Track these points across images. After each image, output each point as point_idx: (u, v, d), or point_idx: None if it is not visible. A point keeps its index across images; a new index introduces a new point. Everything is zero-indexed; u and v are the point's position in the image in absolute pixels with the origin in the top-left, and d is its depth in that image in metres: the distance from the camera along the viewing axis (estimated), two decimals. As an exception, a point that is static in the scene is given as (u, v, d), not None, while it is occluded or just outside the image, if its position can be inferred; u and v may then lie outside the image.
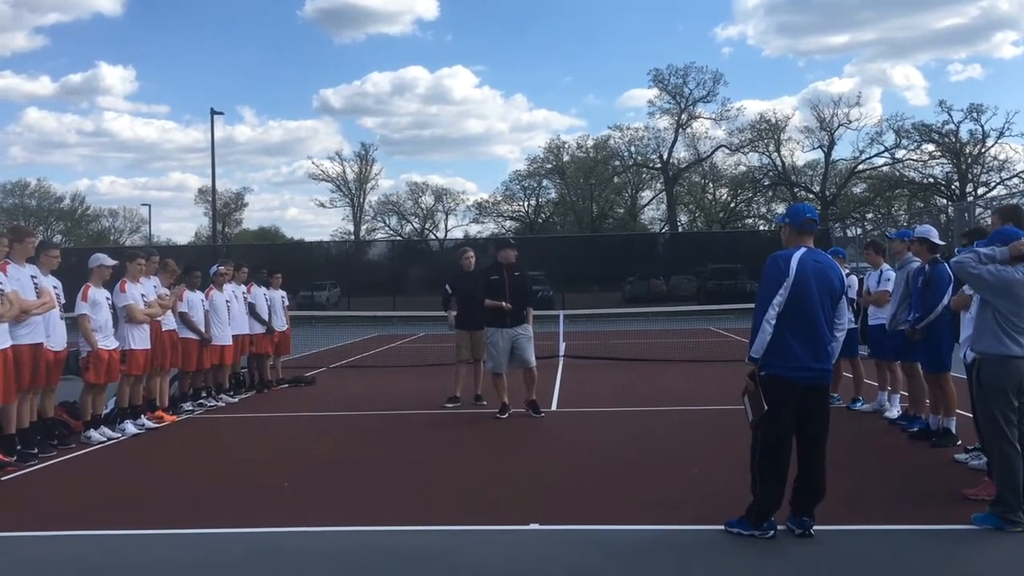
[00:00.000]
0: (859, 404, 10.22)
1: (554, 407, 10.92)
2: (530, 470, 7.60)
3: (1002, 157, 50.84)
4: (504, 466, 7.85)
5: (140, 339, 9.67)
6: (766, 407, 5.33)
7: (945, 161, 52.97)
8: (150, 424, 9.93)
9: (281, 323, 13.49)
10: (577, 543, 5.50)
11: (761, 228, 55.23)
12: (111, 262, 9.51)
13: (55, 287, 8.68)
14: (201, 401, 11.48)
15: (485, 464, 7.95)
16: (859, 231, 42.80)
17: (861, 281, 10.78)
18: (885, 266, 9.95)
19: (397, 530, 5.81)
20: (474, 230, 63.08)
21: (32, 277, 8.31)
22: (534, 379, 10.45)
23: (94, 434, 9.15)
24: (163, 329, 10.25)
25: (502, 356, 10.17)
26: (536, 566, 5.13)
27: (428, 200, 66.38)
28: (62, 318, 8.76)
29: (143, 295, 9.82)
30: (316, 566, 5.14)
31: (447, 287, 11.49)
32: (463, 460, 8.15)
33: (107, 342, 9.22)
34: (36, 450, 8.31)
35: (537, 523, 5.82)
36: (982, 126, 50.74)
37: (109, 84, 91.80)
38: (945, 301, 7.87)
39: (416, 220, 66.45)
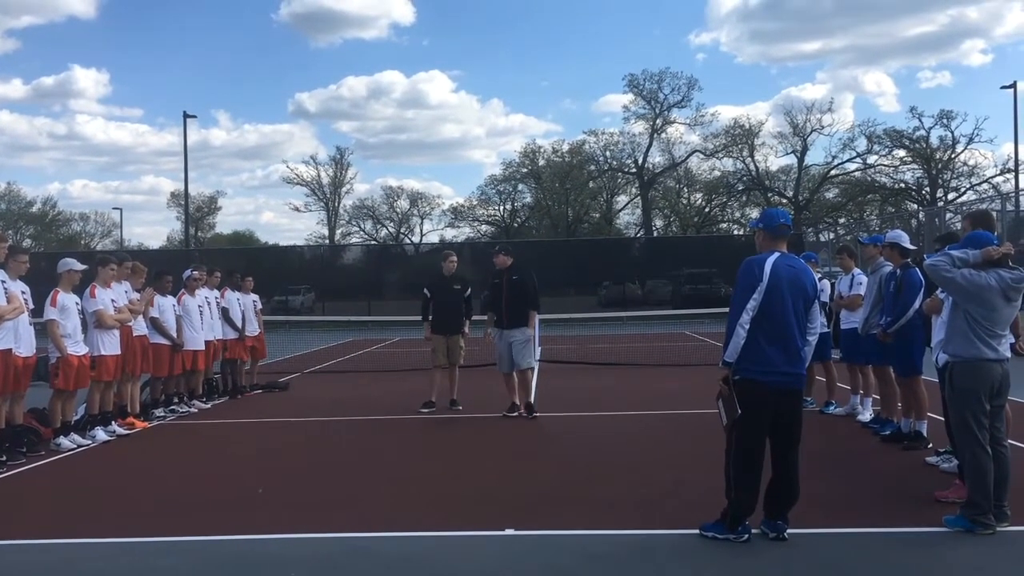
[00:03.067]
0: (832, 408, 10.29)
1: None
2: (505, 475, 7.59)
3: (972, 163, 51.51)
4: (479, 471, 7.83)
5: (110, 344, 9.55)
6: (740, 411, 5.35)
7: (916, 166, 53.59)
8: (121, 431, 9.81)
9: (254, 327, 13.38)
10: (552, 548, 5.48)
11: (735, 233, 55.64)
12: (80, 267, 9.39)
13: (23, 292, 8.55)
14: (173, 407, 11.35)
15: (460, 469, 7.92)
16: (831, 236, 43.17)
17: (833, 285, 10.86)
18: (857, 270, 10.03)
19: (371, 536, 5.77)
20: (450, 234, 63.05)
21: (2, 282, 8.19)
22: (526, 382, 10.70)
23: (64, 441, 9.02)
24: (134, 334, 10.13)
25: (503, 357, 10.58)
26: (511, 571, 5.11)
27: (403, 204, 66.21)
28: (31, 323, 8.63)
29: (113, 300, 9.71)
30: (291, 572, 5.09)
31: (426, 291, 11.46)
32: (438, 465, 8.11)
33: (77, 348, 9.10)
34: (4, 457, 8.18)
35: (512, 528, 5.81)
36: (952, 132, 51.42)
37: (82, 87, 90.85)
38: (916, 305, 7.95)
39: (391, 224, 66.25)
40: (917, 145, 52.56)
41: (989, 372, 5.59)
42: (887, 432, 8.68)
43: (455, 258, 11.62)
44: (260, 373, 14.24)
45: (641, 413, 10.94)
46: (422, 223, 66.35)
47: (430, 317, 11.29)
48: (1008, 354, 5.71)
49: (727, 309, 5.62)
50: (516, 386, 10.66)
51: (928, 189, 52.30)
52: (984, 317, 5.57)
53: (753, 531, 5.42)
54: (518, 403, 10.58)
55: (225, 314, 12.61)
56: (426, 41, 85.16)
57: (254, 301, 13.58)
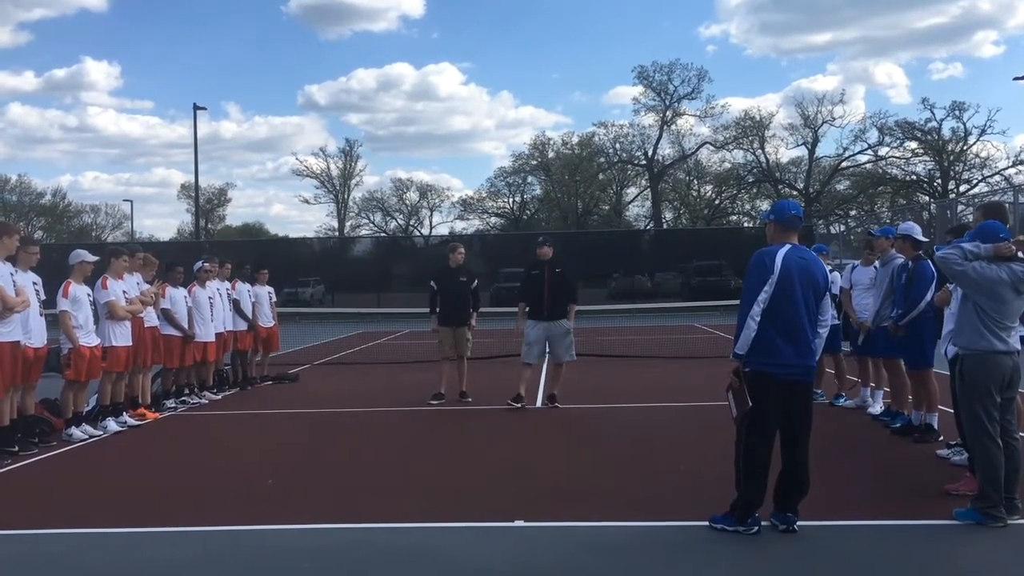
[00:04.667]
0: (842, 400, 10.27)
1: (539, 403, 10.91)
2: (515, 467, 7.59)
3: (984, 155, 51.28)
4: (489, 463, 7.84)
5: (121, 336, 9.59)
6: (750, 403, 5.34)
7: (928, 158, 53.34)
8: (132, 422, 9.86)
9: (268, 319, 13.41)
10: (562, 540, 5.49)
11: (746, 225, 55.57)
12: (92, 258, 9.43)
13: (35, 283, 8.60)
14: (184, 398, 11.40)
15: (470, 461, 7.94)
16: (842, 228, 43.03)
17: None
18: (878, 263, 9.92)
19: (382, 527, 5.79)
20: (459, 227, 63.09)
21: (11, 274, 8.22)
22: (560, 375, 10.71)
23: (75, 432, 9.07)
24: (145, 326, 10.17)
25: (533, 347, 10.50)
26: (521, 563, 5.11)
27: (413, 196, 66.30)
28: (42, 315, 8.68)
29: (125, 291, 9.75)
30: (301, 564, 5.11)
31: (432, 283, 11.46)
32: (448, 457, 8.13)
33: (88, 339, 9.14)
34: (17, 448, 8.23)
35: (522, 520, 5.81)
36: (964, 124, 51.14)
37: (93, 79, 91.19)
38: (928, 297, 7.91)
39: (401, 216, 66.34)
40: (929, 137, 52.30)
41: (1000, 364, 5.56)
42: (897, 425, 8.66)
43: (462, 250, 11.61)
44: (270, 365, 14.28)
45: (650, 405, 10.93)
46: (431, 215, 66.50)
47: (437, 309, 11.31)
48: (1018, 346, 5.68)
49: (736, 301, 5.61)
50: (529, 377, 10.62)
51: (940, 181, 52.04)
52: (994, 310, 5.55)
53: (763, 523, 5.42)
54: (523, 394, 10.51)
55: (236, 306, 12.65)
56: (436, 33, 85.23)
57: (269, 293, 13.61)
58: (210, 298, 11.74)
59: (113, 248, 10.24)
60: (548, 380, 10.80)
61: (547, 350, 10.65)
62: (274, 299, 13.84)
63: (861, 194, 54.77)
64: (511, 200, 64.24)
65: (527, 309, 10.73)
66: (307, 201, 67.10)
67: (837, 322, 10.08)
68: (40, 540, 5.74)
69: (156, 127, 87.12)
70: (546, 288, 10.49)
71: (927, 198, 49.58)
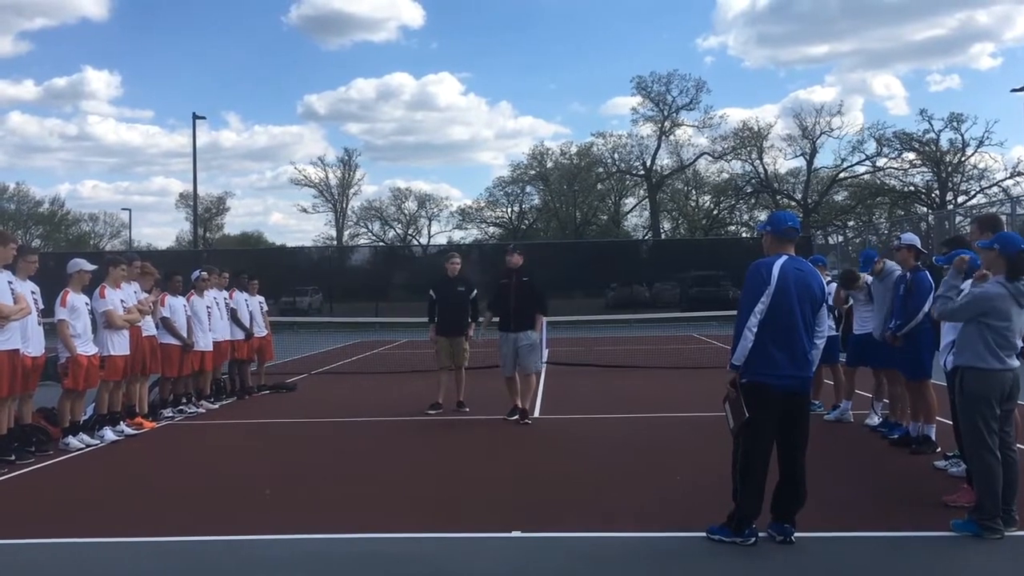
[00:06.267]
0: (834, 413, 10.22)
1: (537, 413, 10.90)
2: (512, 477, 7.58)
3: (981, 166, 51.38)
4: (486, 473, 7.83)
5: (119, 345, 9.58)
6: (747, 414, 5.35)
7: (926, 170, 53.44)
8: (129, 431, 9.84)
9: (261, 329, 13.41)
10: (559, 550, 5.49)
11: (743, 235, 55.56)
12: (90, 267, 9.42)
13: (33, 292, 8.59)
14: (181, 407, 11.39)
15: (467, 471, 7.92)
16: (840, 239, 43.09)
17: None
18: (875, 278, 9.93)
19: (378, 537, 5.78)
20: (457, 236, 63.15)
21: (9, 283, 8.22)
22: (530, 387, 10.64)
23: (72, 440, 9.06)
24: (143, 334, 10.17)
25: (506, 359, 10.47)
26: (517, 573, 5.11)
27: (411, 206, 66.43)
28: (40, 323, 8.68)
29: (122, 300, 9.74)
30: (298, 574, 5.10)
31: (431, 292, 11.46)
32: (445, 467, 8.12)
33: (86, 347, 9.14)
34: (13, 456, 8.22)
35: (519, 531, 5.81)
36: (962, 135, 51.25)
37: (94, 88, 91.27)
38: (926, 308, 7.92)
39: (399, 226, 66.42)
40: (927, 148, 52.40)
41: (1000, 378, 5.56)
42: (895, 436, 8.66)
43: (458, 259, 11.57)
44: (268, 374, 14.28)
45: (648, 415, 10.92)
46: (430, 225, 66.61)
47: (435, 319, 11.30)
48: (1016, 363, 5.68)
49: (734, 312, 5.62)
50: (519, 389, 10.60)
51: (938, 192, 52.13)
52: (1001, 327, 5.50)
53: (760, 534, 5.42)
54: (520, 405, 10.51)
55: (233, 315, 12.64)
56: (435, 44, 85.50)
57: (260, 303, 13.61)
58: (208, 307, 11.75)
59: (111, 257, 10.22)
60: (520, 392, 10.47)
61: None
62: (265, 308, 13.82)
63: (859, 205, 54.89)
64: (510, 210, 64.39)
65: (493, 319, 10.71)
66: (305, 210, 67.05)
67: (835, 333, 10.10)
68: (35, 549, 5.72)
69: (156, 136, 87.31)
70: (512, 298, 10.40)
71: (925, 209, 49.69)
